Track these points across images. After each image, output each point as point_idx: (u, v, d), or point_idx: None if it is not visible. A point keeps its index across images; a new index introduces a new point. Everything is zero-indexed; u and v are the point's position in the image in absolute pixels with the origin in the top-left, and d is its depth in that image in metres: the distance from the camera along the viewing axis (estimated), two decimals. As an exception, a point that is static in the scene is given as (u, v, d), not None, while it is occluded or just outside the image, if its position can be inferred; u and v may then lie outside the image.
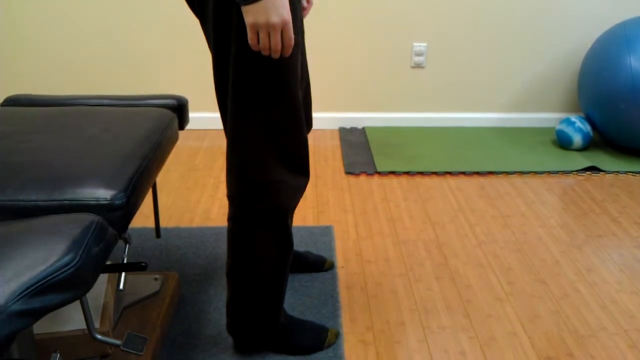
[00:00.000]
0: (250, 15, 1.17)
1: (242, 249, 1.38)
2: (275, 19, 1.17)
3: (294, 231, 2.10)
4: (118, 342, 1.25)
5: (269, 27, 1.17)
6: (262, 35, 1.18)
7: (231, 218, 1.37)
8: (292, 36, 1.19)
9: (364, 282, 1.83)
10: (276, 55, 1.20)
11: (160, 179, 2.54)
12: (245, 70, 1.24)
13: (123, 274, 1.37)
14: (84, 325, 1.33)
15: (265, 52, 1.19)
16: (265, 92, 1.25)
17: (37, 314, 0.84)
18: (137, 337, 1.26)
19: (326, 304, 1.71)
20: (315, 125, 3.20)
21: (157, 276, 1.67)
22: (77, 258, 0.89)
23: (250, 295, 1.43)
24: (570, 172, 2.66)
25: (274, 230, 1.37)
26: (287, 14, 1.17)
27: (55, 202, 1.13)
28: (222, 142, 2.96)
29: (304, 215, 2.23)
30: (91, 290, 1.45)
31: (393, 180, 2.55)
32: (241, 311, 1.46)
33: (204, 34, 1.36)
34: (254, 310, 1.45)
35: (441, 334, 1.61)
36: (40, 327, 1.32)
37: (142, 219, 2.20)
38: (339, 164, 2.73)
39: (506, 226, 2.17)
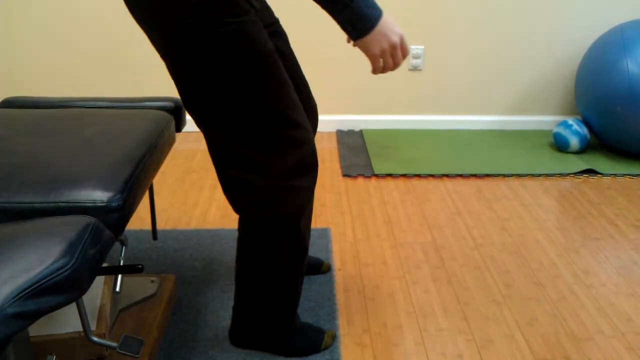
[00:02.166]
0: (374, 46, 1.21)
1: (252, 257, 1.38)
2: (395, 38, 1.22)
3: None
4: (114, 344, 1.25)
5: (393, 49, 1.21)
6: (387, 59, 1.23)
7: (241, 228, 1.37)
8: (408, 46, 1.20)
9: (361, 284, 1.83)
10: (396, 68, 1.25)
11: (157, 181, 2.54)
12: (202, 99, 1.23)
13: (119, 276, 1.36)
14: (80, 328, 1.32)
15: (387, 71, 1.25)
16: (233, 115, 1.23)
17: (33, 316, 0.83)
18: (133, 339, 1.26)
19: (323, 306, 1.71)
20: (313, 127, 3.20)
21: (153, 278, 1.67)
22: (73, 260, 0.89)
23: (260, 302, 1.43)
24: (568, 174, 2.66)
25: (284, 237, 1.36)
26: (399, 28, 1.21)
27: (52, 204, 1.13)
28: (220, 144, 2.95)
29: (301, 218, 2.23)
30: (87, 293, 1.45)
31: (390, 183, 2.55)
32: (250, 318, 1.47)
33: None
34: (265, 318, 1.45)
35: (438, 336, 1.61)
36: (36, 330, 1.32)
37: (139, 221, 2.19)
38: (336, 166, 2.73)
39: (503, 229, 2.17)
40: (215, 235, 2.08)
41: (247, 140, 1.25)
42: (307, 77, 3.09)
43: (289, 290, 1.44)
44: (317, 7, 2.94)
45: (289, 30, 2.95)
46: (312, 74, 3.09)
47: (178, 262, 1.92)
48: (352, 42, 1.28)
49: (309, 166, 1.32)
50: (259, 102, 1.23)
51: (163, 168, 2.68)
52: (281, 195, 1.30)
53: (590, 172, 2.69)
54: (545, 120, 3.23)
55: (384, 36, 1.21)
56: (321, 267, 1.86)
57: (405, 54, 1.24)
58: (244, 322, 1.49)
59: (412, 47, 3.05)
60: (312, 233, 2.10)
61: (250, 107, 1.23)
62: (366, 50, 1.23)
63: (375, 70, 1.26)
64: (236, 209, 1.34)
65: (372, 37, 1.20)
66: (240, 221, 1.37)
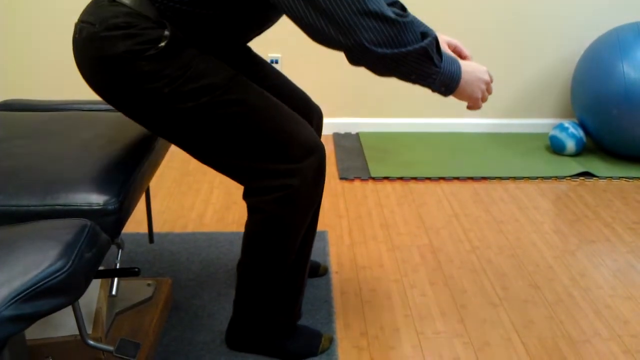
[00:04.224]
0: (474, 92, 1.30)
1: (263, 252, 1.38)
2: (486, 76, 1.31)
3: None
4: (110, 348, 1.24)
5: (487, 85, 1.31)
6: (485, 96, 1.32)
7: (255, 222, 1.37)
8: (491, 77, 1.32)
9: (358, 287, 1.83)
10: None
11: (154, 184, 2.53)
12: (199, 142, 1.28)
13: (116, 280, 1.36)
14: (76, 331, 1.32)
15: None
16: (234, 140, 1.27)
17: (29, 319, 0.83)
18: (129, 343, 1.26)
19: (320, 309, 1.71)
20: (310, 130, 3.20)
21: (150, 282, 1.67)
22: (70, 263, 0.89)
23: (264, 298, 1.44)
24: (564, 177, 2.67)
25: (297, 232, 1.37)
26: (477, 65, 1.31)
27: (48, 207, 1.13)
28: (216, 147, 2.95)
29: (298, 221, 2.23)
30: (84, 296, 1.44)
31: (387, 186, 2.55)
32: (251, 316, 1.47)
33: None
34: (267, 315, 1.46)
35: (435, 339, 1.61)
36: (33, 333, 1.31)
37: (135, 224, 2.19)
38: (333, 169, 2.73)
39: (500, 231, 2.18)
40: (211, 238, 2.08)
41: (255, 155, 1.28)
42: (304, 80, 3.09)
43: (293, 286, 1.45)
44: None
45: (285, 34, 2.96)
46: (308, 77, 3.09)
47: (174, 265, 1.91)
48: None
49: (322, 163, 1.35)
50: (248, 117, 1.26)
51: (160, 171, 2.68)
52: (306, 192, 1.32)
53: (586, 174, 2.70)
54: (541, 123, 3.24)
55: (477, 80, 1.30)
56: (318, 270, 1.86)
57: (492, 81, 1.33)
58: (244, 321, 1.49)
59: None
60: (309, 236, 2.10)
61: (242, 125, 1.26)
62: (468, 99, 1.31)
63: (475, 108, 1.34)
64: (256, 205, 1.35)
65: (468, 86, 1.29)
66: (255, 215, 1.36)
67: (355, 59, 1.18)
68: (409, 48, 1.16)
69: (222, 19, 1.27)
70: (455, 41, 1.49)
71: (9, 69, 3.03)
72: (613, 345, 1.60)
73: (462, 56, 1.50)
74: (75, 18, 2.91)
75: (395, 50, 1.16)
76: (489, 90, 1.33)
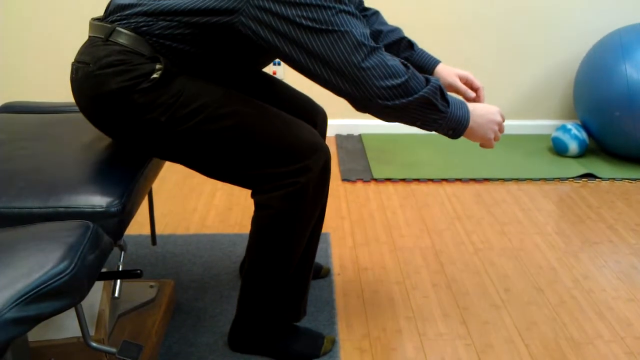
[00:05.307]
0: (486, 134, 1.33)
1: (270, 249, 1.38)
2: (498, 117, 1.34)
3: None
4: (113, 350, 1.24)
5: (500, 125, 1.34)
6: (497, 136, 1.35)
7: (262, 218, 1.37)
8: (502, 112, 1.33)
9: (361, 289, 1.83)
10: None
11: (156, 186, 2.54)
12: (206, 160, 1.30)
13: (118, 282, 1.36)
14: (79, 333, 1.32)
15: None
16: (241, 152, 1.29)
17: (32, 321, 0.83)
18: (132, 344, 1.26)
19: (322, 311, 1.71)
20: (312, 132, 3.19)
21: (152, 284, 1.67)
22: (73, 265, 0.89)
23: (269, 296, 1.44)
24: (567, 179, 2.66)
25: (304, 228, 1.38)
26: (491, 107, 1.34)
27: (51, 209, 1.13)
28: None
29: (300, 223, 2.23)
30: (86, 298, 1.45)
31: (389, 187, 2.55)
32: (255, 315, 1.47)
33: None
34: (271, 313, 1.46)
35: (438, 341, 1.61)
36: (35, 335, 1.32)
37: (138, 226, 2.19)
38: (335, 171, 2.73)
39: (502, 233, 2.17)
40: (214, 240, 2.08)
41: (261, 163, 1.30)
42: (307, 81, 3.09)
43: (299, 284, 1.45)
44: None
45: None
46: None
47: (177, 267, 1.92)
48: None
49: (328, 160, 1.36)
50: (246, 128, 1.28)
51: (162, 173, 2.68)
52: (314, 188, 1.33)
53: (589, 176, 2.69)
54: (544, 125, 3.24)
55: (489, 122, 1.32)
56: (320, 272, 1.86)
57: (504, 120, 1.36)
58: (247, 321, 1.49)
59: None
60: (311, 238, 2.10)
61: (243, 137, 1.28)
62: (480, 140, 1.34)
63: (487, 147, 1.37)
64: (264, 202, 1.35)
65: (480, 128, 1.32)
66: (263, 211, 1.36)
67: (360, 108, 1.24)
68: (410, 98, 1.21)
69: (216, 58, 1.31)
70: (467, 73, 1.53)
71: (10, 71, 3.04)
72: (616, 347, 1.60)
73: (474, 87, 1.53)
74: (75, 18, 2.92)
75: (397, 102, 1.21)
76: (501, 130, 1.36)
